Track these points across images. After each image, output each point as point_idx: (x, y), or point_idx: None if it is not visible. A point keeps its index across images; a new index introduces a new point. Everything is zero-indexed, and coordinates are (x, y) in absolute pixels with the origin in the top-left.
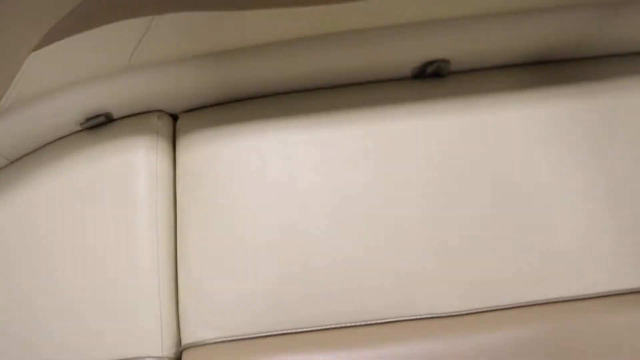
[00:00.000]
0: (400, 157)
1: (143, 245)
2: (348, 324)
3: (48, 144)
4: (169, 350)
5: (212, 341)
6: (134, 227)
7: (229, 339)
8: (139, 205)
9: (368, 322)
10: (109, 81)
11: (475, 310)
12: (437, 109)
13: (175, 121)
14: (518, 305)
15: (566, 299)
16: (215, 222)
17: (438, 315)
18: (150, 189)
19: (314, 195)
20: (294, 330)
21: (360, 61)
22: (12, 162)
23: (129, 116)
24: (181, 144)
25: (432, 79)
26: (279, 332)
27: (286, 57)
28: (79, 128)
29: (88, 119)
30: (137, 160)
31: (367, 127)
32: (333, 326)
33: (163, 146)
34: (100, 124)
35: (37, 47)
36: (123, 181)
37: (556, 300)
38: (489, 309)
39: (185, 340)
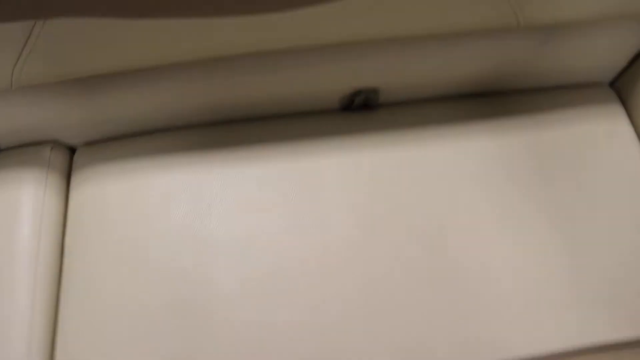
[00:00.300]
0: (325, 197)
1: (17, 306)
2: None
3: None
4: None
5: None
6: (10, 280)
7: None
8: (18, 253)
9: None
10: None
11: None
12: (366, 143)
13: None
14: None
15: None
16: (105, 275)
17: None
18: (33, 232)
19: (224, 243)
20: None
21: (280, 89)
22: None
23: (18, 147)
24: (76, 180)
25: (362, 111)
26: None
27: (195, 83)
28: None
29: None
30: (21, 197)
31: (288, 164)
32: None
33: (54, 182)
34: None
35: None
36: (2, 221)
37: None
38: None
39: None
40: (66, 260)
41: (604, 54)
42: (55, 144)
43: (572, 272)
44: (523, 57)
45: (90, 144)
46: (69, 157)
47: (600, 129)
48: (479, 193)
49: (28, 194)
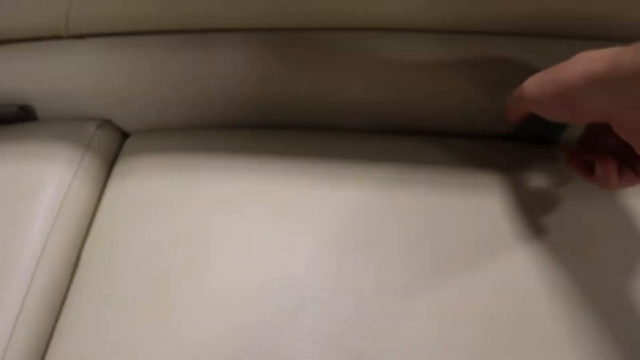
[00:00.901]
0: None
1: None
2: None
3: None
4: None
5: None
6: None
7: None
8: (19, 248)
9: None
10: (31, 54)
11: None
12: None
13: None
14: None
15: None
16: (125, 296)
17: None
18: (44, 223)
19: (309, 284)
20: None
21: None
22: None
23: (61, 120)
24: (120, 169)
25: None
26: None
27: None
28: None
29: None
30: (42, 176)
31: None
32: None
33: (91, 166)
34: (13, 121)
35: None
36: (12, 201)
37: None
38: None
39: None
40: (81, 265)
41: None
42: (104, 122)
43: None
44: None
45: (150, 131)
46: (119, 142)
47: None
48: None
49: (52, 174)
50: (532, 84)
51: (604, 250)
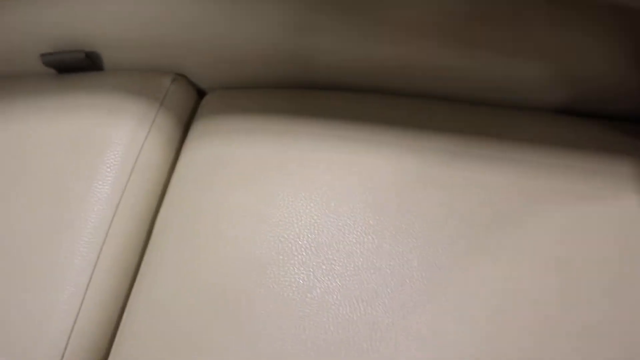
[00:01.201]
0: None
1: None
2: None
3: None
4: None
5: None
6: (65, 246)
7: None
8: (88, 210)
9: None
10: None
11: None
12: None
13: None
14: None
15: None
16: (204, 265)
17: None
18: (116, 183)
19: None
20: None
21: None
22: None
23: (131, 70)
24: (197, 130)
25: None
26: None
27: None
28: (42, 65)
29: (55, 53)
30: (111, 132)
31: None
32: None
33: (164, 124)
34: (77, 69)
35: None
36: (76, 160)
37: None
38: None
39: None
40: (155, 236)
41: None
42: (179, 76)
43: None
44: None
45: (227, 88)
46: (194, 99)
47: None
48: None
49: (123, 132)
50: None
51: None
